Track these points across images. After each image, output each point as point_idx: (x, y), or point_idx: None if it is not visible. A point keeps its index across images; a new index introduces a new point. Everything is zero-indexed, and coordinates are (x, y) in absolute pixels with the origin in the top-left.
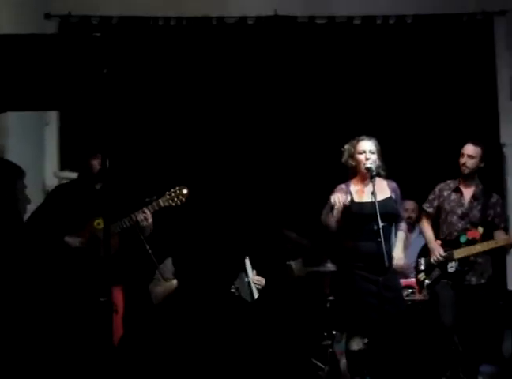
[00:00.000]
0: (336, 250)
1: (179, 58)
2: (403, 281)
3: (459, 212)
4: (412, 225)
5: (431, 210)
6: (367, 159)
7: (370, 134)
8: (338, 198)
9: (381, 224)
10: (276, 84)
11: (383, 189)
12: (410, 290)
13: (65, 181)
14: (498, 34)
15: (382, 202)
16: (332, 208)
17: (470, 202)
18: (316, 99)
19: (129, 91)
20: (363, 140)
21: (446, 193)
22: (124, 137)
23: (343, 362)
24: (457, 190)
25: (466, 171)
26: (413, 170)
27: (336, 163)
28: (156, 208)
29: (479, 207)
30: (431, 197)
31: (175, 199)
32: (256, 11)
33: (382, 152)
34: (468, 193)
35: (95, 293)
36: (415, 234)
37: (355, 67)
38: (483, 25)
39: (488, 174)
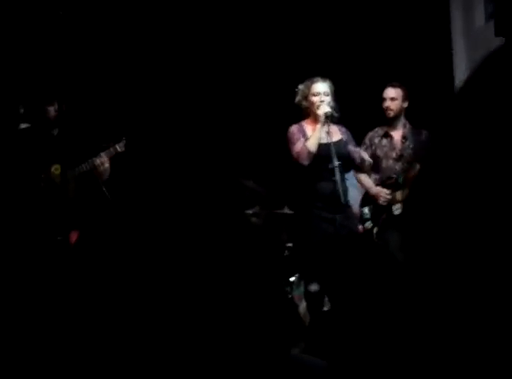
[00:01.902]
0: (294, 193)
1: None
2: None
3: (393, 155)
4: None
5: None
6: (322, 102)
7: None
8: None
9: (336, 163)
10: (227, 25)
11: (335, 132)
12: None
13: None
14: None
15: (335, 143)
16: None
17: (401, 143)
18: (266, 42)
19: (84, 36)
20: (317, 81)
21: (376, 141)
22: (80, 83)
23: (302, 306)
24: (386, 135)
25: (391, 114)
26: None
27: (287, 106)
28: (113, 153)
29: (411, 146)
30: (362, 147)
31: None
32: None
33: (336, 94)
34: (397, 135)
35: (52, 233)
36: None
37: (308, 11)
38: None
39: None
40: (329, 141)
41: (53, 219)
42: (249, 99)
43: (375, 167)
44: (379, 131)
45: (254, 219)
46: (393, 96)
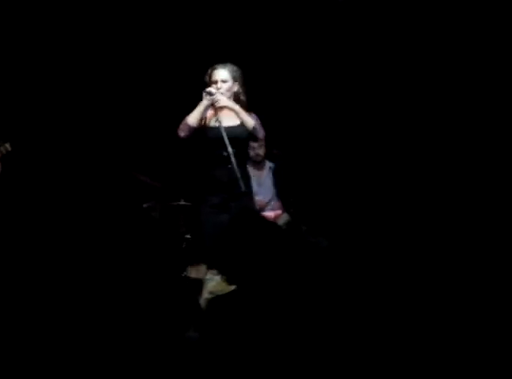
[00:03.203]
0: (189, 183)
1: None
2: (272, 214)
3: None
4: (259, 162)
5: None
6: (218, 89)
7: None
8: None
9: (230, 150)
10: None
11: (232, 117)
12: None
13: None
14: None
15: (230, 128)
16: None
17: None
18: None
19: None
20: (216, 69)
21: None
22: None
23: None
24: None
25: None
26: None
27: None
28: (4, 152)
29: None
30: None
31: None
32: None
33: (246, 80)
34: None
35: None
36: (265, 171)
37: None
38: None
39: None
40: (220, 126)
41: None
42: (143, 92)
43: None
44: None
45: (151, 213)
46: None
